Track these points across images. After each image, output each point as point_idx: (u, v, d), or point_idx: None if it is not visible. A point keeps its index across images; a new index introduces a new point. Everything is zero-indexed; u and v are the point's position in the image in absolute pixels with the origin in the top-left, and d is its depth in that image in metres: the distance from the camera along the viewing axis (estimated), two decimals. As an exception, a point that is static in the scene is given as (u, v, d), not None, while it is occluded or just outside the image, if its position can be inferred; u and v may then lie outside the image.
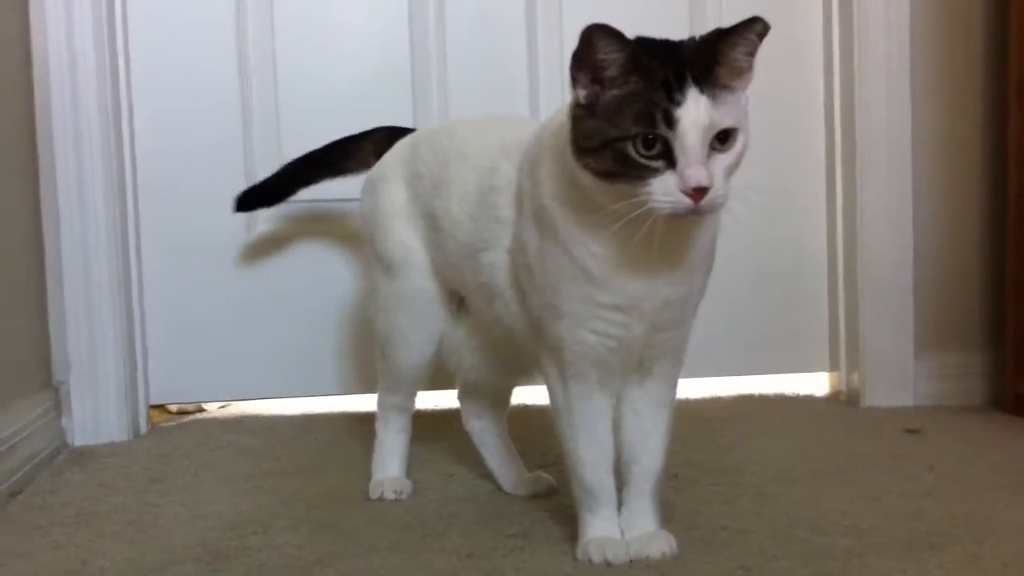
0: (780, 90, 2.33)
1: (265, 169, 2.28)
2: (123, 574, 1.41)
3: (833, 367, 2.45)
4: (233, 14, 2.29)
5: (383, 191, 1.68)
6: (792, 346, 2.45)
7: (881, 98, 2.31)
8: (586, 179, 1.26)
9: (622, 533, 1.42)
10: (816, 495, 1.69)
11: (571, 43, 2.26)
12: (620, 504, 1.44)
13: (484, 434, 1.76)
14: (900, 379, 2.33)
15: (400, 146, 1.73)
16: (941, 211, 2.36)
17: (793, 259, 2.44)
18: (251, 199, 2.10)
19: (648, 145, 1.20)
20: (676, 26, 1.31)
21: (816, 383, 2.48)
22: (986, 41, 2.33)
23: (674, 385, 1.46)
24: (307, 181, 2.06)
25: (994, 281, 2.35)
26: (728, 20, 1.27)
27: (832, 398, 2.44)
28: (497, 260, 1.46)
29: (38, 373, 2.08)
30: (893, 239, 2.33)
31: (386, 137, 1.86)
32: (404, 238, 1.65)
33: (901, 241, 2.33)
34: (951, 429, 2.11)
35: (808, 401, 2.41)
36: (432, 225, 1.60)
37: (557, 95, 2.27)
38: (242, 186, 2.28)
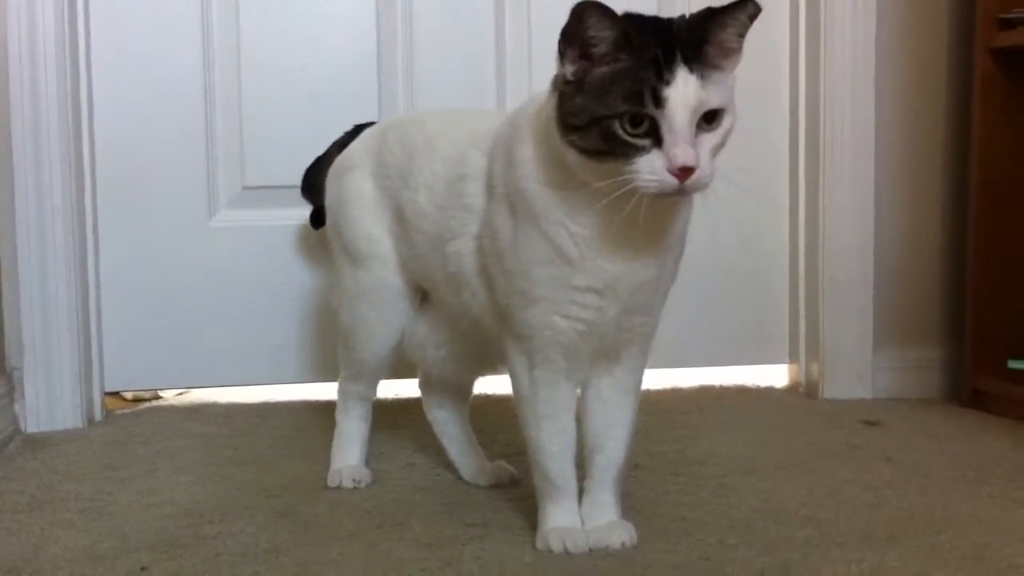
0: (744, 84, 2.31)
1: (227, 157, 2.26)
2: (76, 561, 1.39)
3: (793, 359, 2.46)
4: (197, 2, 2.25)
5: (349, 181, 1.67)
6: (753, 338, 2.46)
7: (846, 95, 2.32)
8: (571, 156, 1.25)
9: (583, 522, 1.41)
10: (776, 486, 1.70)
11: (539, 35, 2.31)
12: (581, 494, 1.43)
13: (446, 423, 1.75)
14: (859, 371, 2.34)
15: (367, 136, 1.72)
16: (903, 206, 2.37)
17: (755, 252, 2.45)
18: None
19: (635, 123, 1.20)
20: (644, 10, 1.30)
21: (776, 375, 2.49)
22: (950, 38, 2.34)
23: (641, 372, 1.45)
24: None
25: (954, 276, 2.37)
26: (696, 6, 1.27)
27: (792, 390, 2.45)
28: (464, 249, 1.45)
29: (-9, 358, 2.05)
30: (855, 233, 2.34)
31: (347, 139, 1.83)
32: (370, 230, 1.63)
33: (862, 235, 2.34)
34: (910, 422, 2.13)
35: (768, 393, 2.42)
36: (399, 216, 1.58)
37: (524, 87, 2.27)
38: (203, 174, 2.26)
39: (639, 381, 1.46)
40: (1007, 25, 2.17)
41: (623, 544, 1.39)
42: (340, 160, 1.73)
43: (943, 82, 2.36)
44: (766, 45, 2.38)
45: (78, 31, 2.15)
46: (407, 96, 2.33)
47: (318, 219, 1.92)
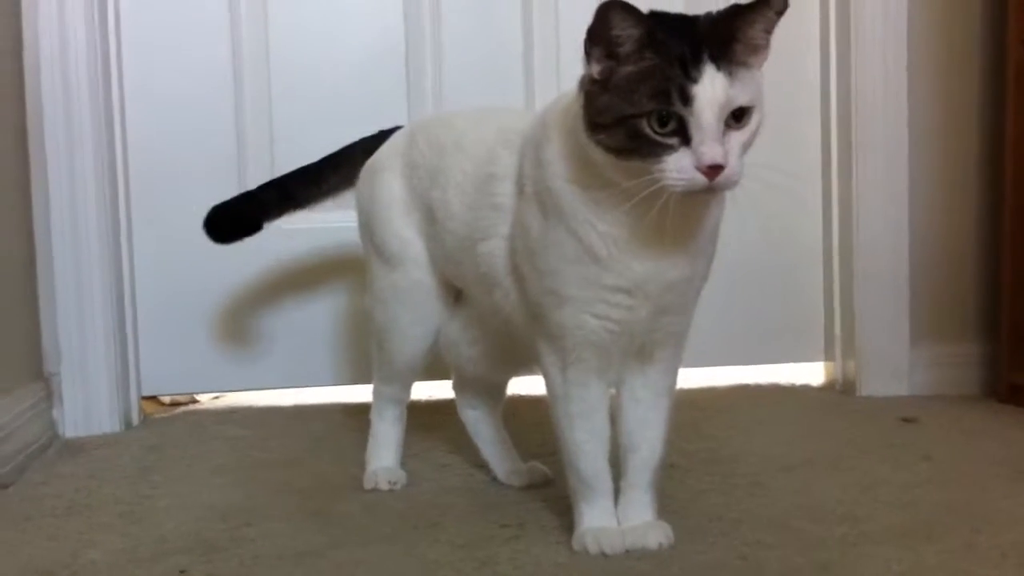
0: (775, 79, 2.30)
1: (257, 159, 2.27)
2: (115, 565, 1.40)
3: (829, 357, 2.44)
4: (226, 2, 2.27)
5: (380, 182, 1.67)
6: (788, 336, 2.45)
7: (878, 90, 2.30)
8: (598, 156, 1.25)
9: (619, 523, 1.41)
10: (812, 484, 1.69)
11: (567, 31, 2.31)
12: (617, 493, 1.43)
13: (479, 424, 1.75)
14: (896, 369, 2.32)
15: (397, 137, 1.72)
16: (937, 201, 2.35)
17: (789, 249, 2.43)
18: (227, 227, 1.90)
19: (663, 122, 1.19)
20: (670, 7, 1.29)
21: (812, 373, 2.48)
22: (984, 30, 2.32)
23: (675, 372, 1.45)
24: (297, 201, 1.90)
25: (990, 271, 2.34)
26: (725, 2, 1.26)
27: (827, 388, 2.43)
28: (495, 249, 1.45)
29: (29, 365, 2.06)
30: (889, 229, 2.32)
31: (371, 146, 1.79)
32: (401, 231, 1.64)
33: (897, 231, 2.32)
34: (947, 418, 2.11)
35: (804, 391, 2.41)
36: (429, 217, 1.58)
37: (552, 84, 2.27)
38: (234, 175, 2.27)
39: (673, 381, 1.45)
40: (1041, 17, 2.15)
41: (660, 544, 1.39)
42: (371, 162, 1.73)
43: (976, 75, 2.33)
44: (796, 39, 2.36)
45: (108, 38, 2.16)
46: (436, 91, 2.33)
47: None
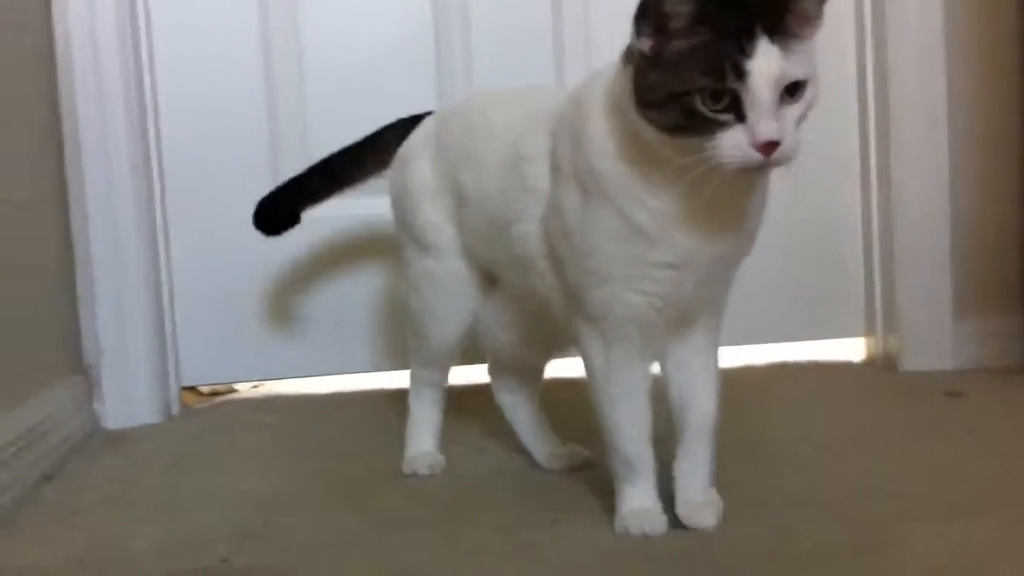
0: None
1: (291, 147, 2.27)
2: (157, 555, 1.40)
3: (869, 332, 2.41)
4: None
5: (412, 169, 1.66)
6: (827, 311, 2.42)
7: (914, 60, 2.26)
8: (650, 133, 1.23)
9: (677, 491, 1.40)
10: (855, 461, 1.67)
11: (597, 9, 2.28)
12: (668, 477, 1.41)
13: (516, 408, 1.75)
14: (939, 342, 2.29)
15: (428, 123, 1.71)
16: (978, 171, 2.31)
17: (828, 223, 2.40)
18: (274, 218, 1.92)
19: (716, 98, 1.17)
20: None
21: (853, 349, 2.45)
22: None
23: (718, 332, 1.43)
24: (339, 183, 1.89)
25: (1033, 240, 2.31)
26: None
27: (869, 363, 2.40)
28: (529, 231, 1.43)
29: (69, 357, 2.07)
30: (929, 201, 2.28)
31: (405, 128, 1.78)
32: (434, 217, 1.63)
33: (937, 203, 2.28)
34: (992, 392, 2.08)
35: (845, 367, 2.38)
36: (461, 202, 1.58)
37: (582, 62, 2.25)
38: (268, 164, 2.27)
39: (717, 339, 1.44)
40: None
41: (706, 526, 1.38)
42: (403, 149, 1.72)
43: (1016, 45, 2.29)
44: (831, 12, 2.31)
45: (140, 35, 2.16)
46: (465, 72, 2.31)
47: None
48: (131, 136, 2.12)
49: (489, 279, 1.63)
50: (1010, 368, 2.28)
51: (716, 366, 1.43)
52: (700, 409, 1.41)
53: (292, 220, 1.91)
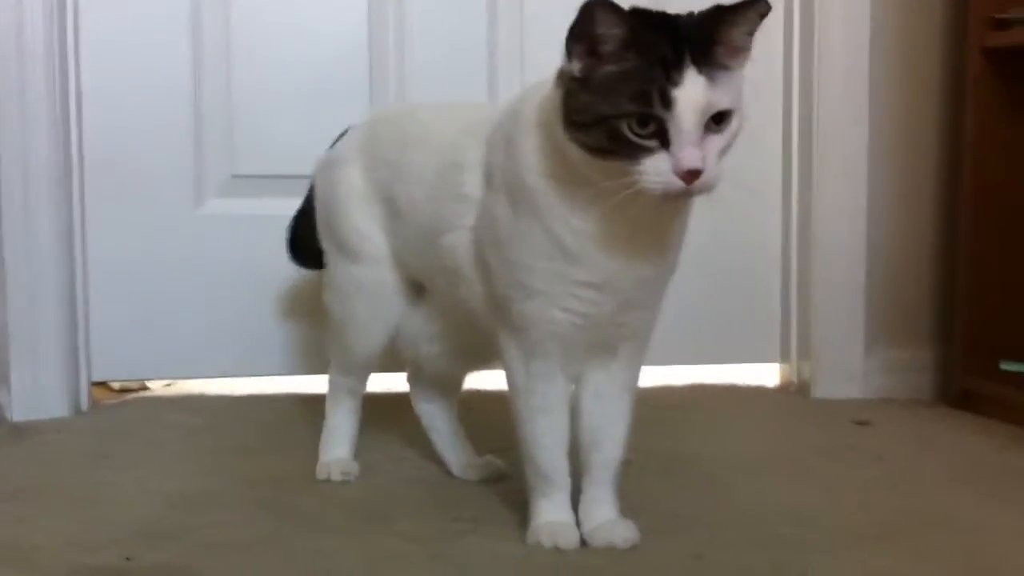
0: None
1: (216, 145, 2.25)
2: (61, 551, 1.37)
3: (784, 358, 2.45)
4: (187, -9, 2.25)
5: (339, 175, 1.65)
6: (744, 337, 2.45)
7: (838, 94, 2.31)
8: (576, 154, 1.23)
9: (577, 521, 1.40)
10: (767, 484, 1.69)
11: (531, 27, 2.30)
12: (578, 491, 1.42)
13: (434, 417, 1.74)
14: (850, 371, 2.34)
15: (356, 130, 1.70)
16: (895, 206, 2.37)
17: (747, 250, 2.44)
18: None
19: (643, 124, 1.18)
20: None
21: (767, 374, 2.49)
22: (944, 38, 2.34)
23: (638, 369, 1.44)
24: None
25: (945, 277, 2.36)
26: (697, 4, 1.25)
27: (783, 389, 2.44)
28: (459, 240, 1.43)
29: (-24, 346, 2.03)
30: (847, 232, 2.34)
31: None
32: (361, 225, 1.62)
33: (854, 235, 2.34)
34: (900, 422, 2.13)
35: (759, 391, 2.42)
36: (392, 210, 1.57)
37: (517, 80, 2.26)
38: (191, 162, 2.25)
39: (636, 377, 1.44)
40: (1001, 25, 2.16)
41: (626, 541, 1.38)
42: (330, 153, 1.70)
43: (936, 82, 2.35)
44: (759, 44, 2.34)
45: (66, 21, 2.12)
46: (399, 86, 2.31)
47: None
48: (51, 126, 2.08)
49: (416, 289, 1.62)
50: (918, 400, 2.33)
51: (631, 401, 1.44)
52: (607, 452, 1.42)
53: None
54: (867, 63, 2.31)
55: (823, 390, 2.34)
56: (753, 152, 2.37)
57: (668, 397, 2.29)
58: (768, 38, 2.35)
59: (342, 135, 1.73)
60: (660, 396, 2.29)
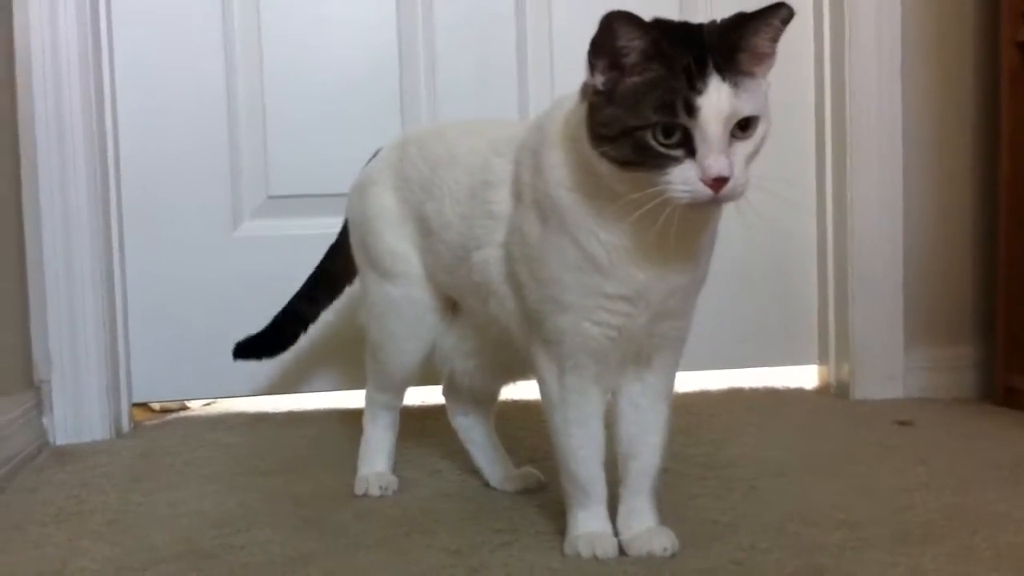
0: (770, 82, 2.31)
1: (251, 167, 2.27)
2: (104, 573, 1.38)
3: (823, 360, 2.44)
4: (219, 12, 2.26)
5: (372, 196, 1.66)
6: (782, 339, 2.44)
7: (872, 91, 2.30)
8: (603, 167, 1.23)
9: (616, 531, 1.40)
10: (807, 488, 1.68)
11: (560, 42, 2.31)
12: (617, 500, 1.41)
13: (470, 430, 1.74)
14: (890, 371, 2.32)
15: (387, 151, 1.71)
16: (932, 203, 2.35)
17: (783, 251, 2.43)
18: (252, 349, 1.96)
19: (668, 134, 1.18)
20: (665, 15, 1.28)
21: (806, 376, 2.47)
22: (977, 32, 2.32)
23: (673, 376, 1.44)
24: (309, 317, 1.93)
25: (985, 274, 2.34)
26: (718, 13, 1.25)
27: (822, 391, 2.42)
28: (490, 257, 1.44)
29: (19, 372, 2.05)
30: (883, 231, 2.32)
31: None
32: (394, 245, 1.63)
33: (891, 233, 2.32)
34: (942, 421, 2.10)
35: (798, 394, 2.40)
36: (423, 229, 1.58)
37: (546, 96, 2.25)
38: (228, 184, 2.27)
39: (671, 385, 1.44)
40: (1034, 18, 2.15)
41: (665, 550, 1.37)
42: (362, 176, 1.72)
43: (970, 77, 2.33)
44: (791, 44, 2.34)
45: (101, 45, 2.16)
46: (429, 104, 2.33)
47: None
48: (89, 150, 2.11)
49: (451, 306, 1.63)
50: (959, 399, 2.31)
51: (667, 410, 1.43)
52: (645, 461, 1.41)
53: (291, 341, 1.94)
54: (899, 59, 2.29)
55: (863, 391, 2.32)
56: (785, 151, 2.37)
57: (706, 402, 2.28)
58: (799, 37, 2.35)
59: (373, 157, 1.73)
60: (697, 401, 2.28)
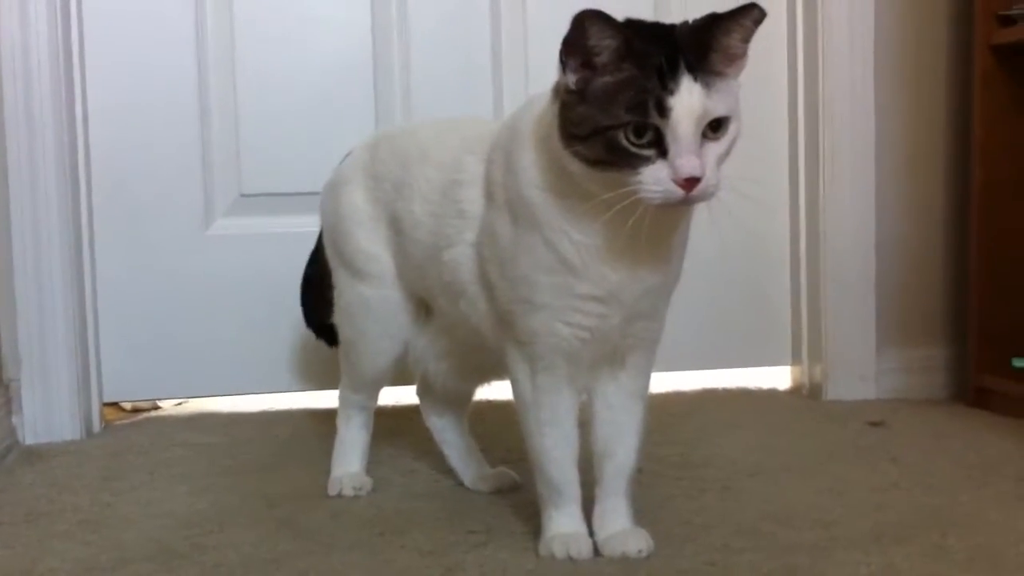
0: (742, 85, 2.32)
1: (223, 165, 2.26)
2: (74, 574, 1.37)
3: (796, 361, 2.44)
4: (192, 8, 2.25)
5: (343, 196, 1.65)
6: (755, 340, 2.45)
7: (845, 92, 2.31)
8: (574, 166, 1.23)
9: (591, 531, 1.40)
10: (781, 489, 1.68)
11: (535, 39, 2.31)
12: (592, 501, 1.41)
13: (445, 430, 1.74)
14: (863, 372, 2.33)
15: (358, 150, 1.70)
16: (904, 205, 2.36)
17: (756, 252, 2.43)
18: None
19: (640, 133, 1.18)
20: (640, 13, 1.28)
21: (779, 377, 2.48)
22: (950, 35, 2.33)
23: (648, 376, 1.44)
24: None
25: (957, 275, 2.35)
26: (692, 13, 1.25)
27: (795, 392, 2.43)
28: (460, 256, 1.43)
29: (-12, 370, 2.03)
30: (856, 232, 2.33)
31: None
32: (366, 245, 1.62)
33: (864, 234, 2.33)
34: (914, 422, 2.12)
35: (771, 395, 2.41)
36: (395, 228, 1.57)
37: (521, 92, 2.26)
38: (200, 182, 2.25)
39: (646, 385, 1.44)
40: (1007, 22, 2.16)
41: (640, 552, 1.37)
42: (334, 175, 1.71)
43: (943, 79, 2.34)
44: (762, 43, 2.34)
45: (72, 41, 2.14)
46: (404, 101, 2.32)
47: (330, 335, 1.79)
48: (59, 148, 2.09)
49: (423, 307, 1.62)
50: (932, 399, 2.32)
51: (642, 410, 1.43)
52: (620, 461, 1.41)
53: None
54: (872, 61, 2.30)
55: (836, 391, 2.33)
56: (758, 152, 2.37)
57: (679, 403, 2.29)
58: (771, 37, 2.36)
59: (345, 157, 1.73)
60: (670, 402, 2.28)
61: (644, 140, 1.18)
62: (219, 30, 2.26)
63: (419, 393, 1.75)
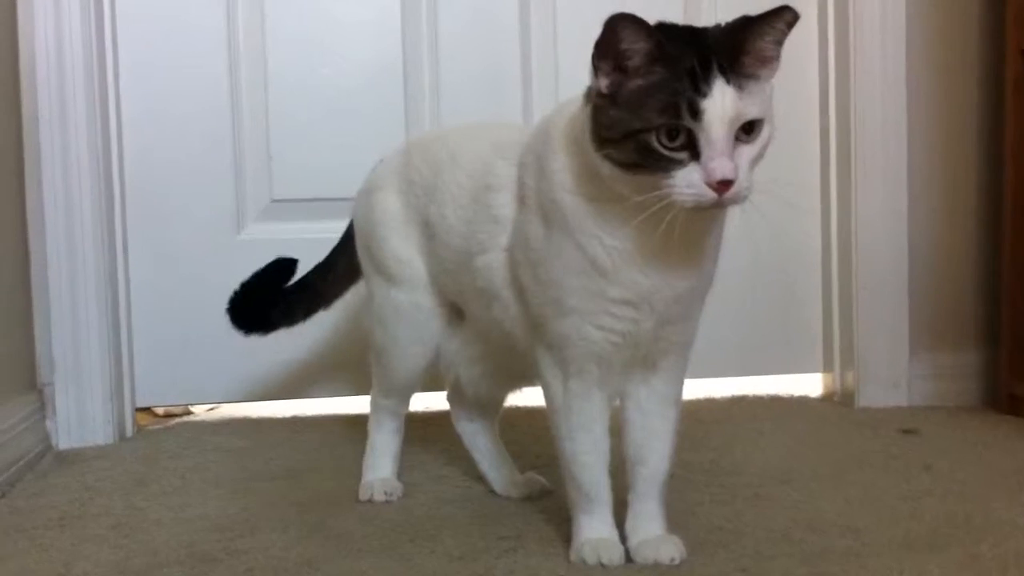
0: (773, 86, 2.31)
1: (255, 171, 2.27)
2: (107, 578, 1.38)
3: (827, 368, 2.43)
4: (224, 13, 2.26)
5: (377, 201, 1.66)
6: (786, 347, 2.44)
7: (877, 97, 2.30)
8: (607, 170, 1.23)
9: (623, 537, 1.39)
10: (813, 496, 1.67)
11: (565, 43, 2.31)
12: (625, 506, 1.41)
13: (475, 436, 1.74)
14: (895, 379, 2.31)
15: (392, 156, 1.71)
16: (936, 211, 2.35)
17: (787, 259, 2.42)
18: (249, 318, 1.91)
19: (672, 136, 1.17)
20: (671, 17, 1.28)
21: (810, 384, 2.47)
22: (982, 38, 2.32)
23: (681, 381, 1.43)
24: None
25: (989, 281, 2.34)
26: (723, 17, 1.25)
27: (827, 399, 2.42)
28: (493, 261, 1.43)
29: (23, 375, 2.05)
30: (888, 239, 2.31)
31: None
32: (399, 250, 1.62)
33: (896, 241, 2.31)
34: (947, 429, 2.10)
35: (803, 402, 2.40)
36: (427, 234, 1.57)
37: (551, 97, 2.26)
38: (231, 187, 2.27)
39: (679, 391, 1.43)
40: (1040, 26, 2.14)
41: (672, 559, 1.36)
42: (367, 181, 1.72)
43: (975, 83, 2.33)
44: (795, 48, 2.34)
45: (105, 48, 2.16)
46: (433, 106, 2.33)
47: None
48: (92, 153, 2.11)
49: (456, 312, 1.63)
50: (964, 406, 2.30)
51: (675, 415, 1.42)
52: (653, 467, 1.41)
53: (264, 325, 1.89)
54: (904, 65, 2.29)
55: (868, 399, 2.31)
56: (792, 159, 2.37)
57: (710, 410, 2.28)
58: (803, 41, 2.35)
59: (378, 164, 1.73)
60: (702, 409, 2.28)
61: (677, 143, 1.18)
62: (250, 36, 2.27)
63: (450, 398, 1.75)
